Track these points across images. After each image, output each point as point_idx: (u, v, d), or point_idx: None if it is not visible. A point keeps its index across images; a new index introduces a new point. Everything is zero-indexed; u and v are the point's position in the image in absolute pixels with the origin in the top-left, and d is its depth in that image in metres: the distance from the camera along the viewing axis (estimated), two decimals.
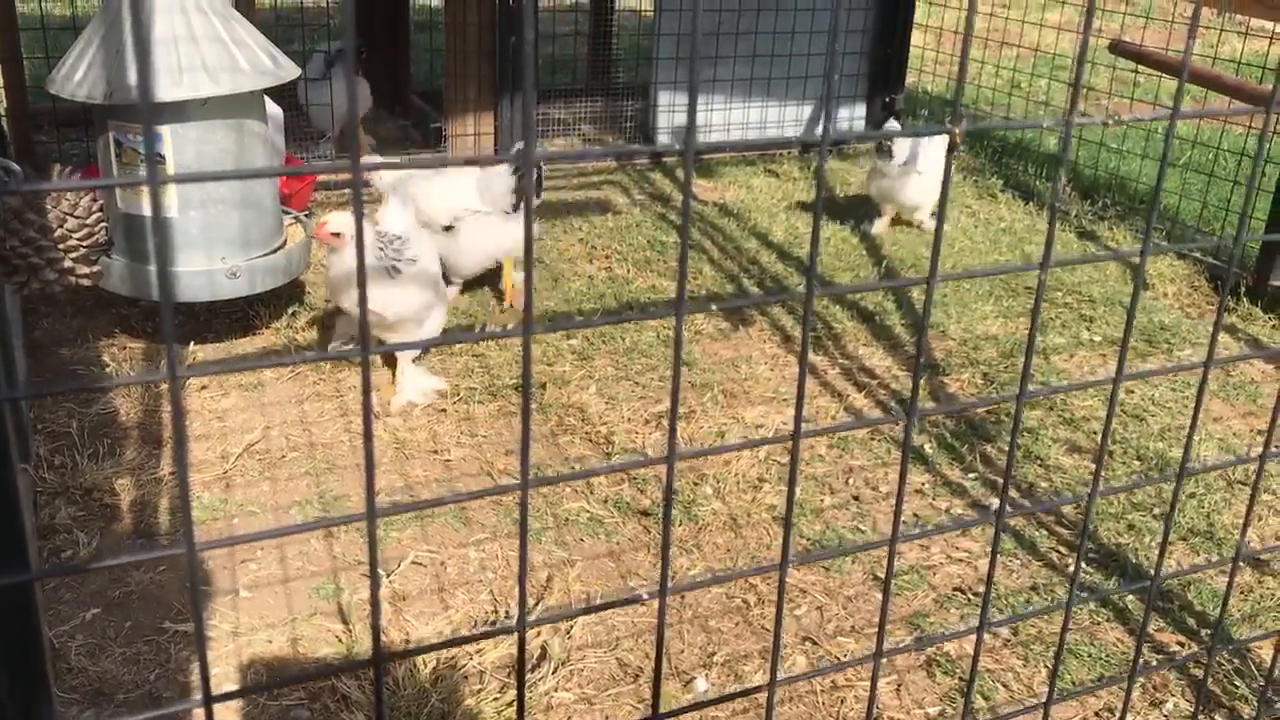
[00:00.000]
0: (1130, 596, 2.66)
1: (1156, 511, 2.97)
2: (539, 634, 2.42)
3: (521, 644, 0.86)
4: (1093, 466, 3.17)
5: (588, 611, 0.81)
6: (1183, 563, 2.79)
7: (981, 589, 2.67)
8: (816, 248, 0.78)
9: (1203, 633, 2.54)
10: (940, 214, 0.90)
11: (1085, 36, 0.82)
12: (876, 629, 2.55)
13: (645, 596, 0.87)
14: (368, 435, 0.70)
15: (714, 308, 0.81)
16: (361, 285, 0.72)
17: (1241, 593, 2.67)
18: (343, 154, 5.00)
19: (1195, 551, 2.82)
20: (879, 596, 2.65)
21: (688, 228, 0.74)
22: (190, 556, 0.67)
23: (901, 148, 4.74)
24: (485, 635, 0.80)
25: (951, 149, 0.86)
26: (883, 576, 2.69)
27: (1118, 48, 4.77)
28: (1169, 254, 4.80)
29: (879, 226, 4.91)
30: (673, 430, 0.86)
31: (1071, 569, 2.74)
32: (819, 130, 6.11)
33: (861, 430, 3.32)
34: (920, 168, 4.73)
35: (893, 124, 5.17)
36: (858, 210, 5.13)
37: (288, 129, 4.62)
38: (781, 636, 2.48)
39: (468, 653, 2.36)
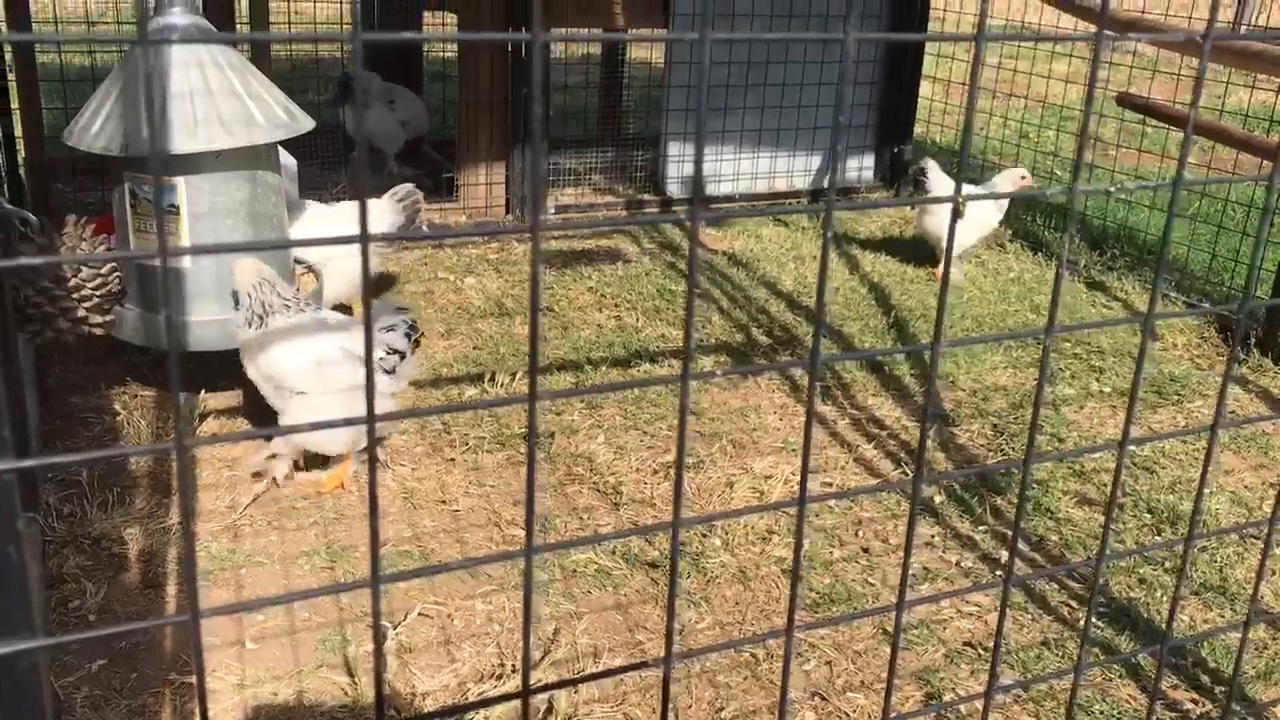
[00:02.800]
0: (1149, 655, 2.63)
1: (1168, 565, 2.95)
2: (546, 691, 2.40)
3: (526, 708, 0.86)
4: (1103, 519, 3.14)
5: (595, 678, 0.81)
6: (1196, 618, 2.76)
7: (991, 644, 2.65)
8: (821, 326, 0.78)
9: (1216, 690, 2.51)
10: (944, 279, 0.90)
11: (1088, 112, 0.83)
12: (886, 684, 2.52)
13: (651, 664, 0.86)
14: (373, 509, 0.70)
15: (719, 374, 0.81)
16: (369, 359, 0.73)
17: (1256, 649, 2.64)
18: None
19: (1208, 606, 2.80)
20: (888, 651, 2.62)
21: (693, 302, 0.75)
22: (194, 626, 0.67)
23: (936, 178, 4.99)
24: (489, 702, 0.80)
25: (955, 216, 0.87)
26: (892, 631, 2.67)
27: (1125, 100, 4.80)
28: (1178, 304, 4.80)
29: (955, 273, 5.05)
30: (678, 494, 0.86)
31: (1082, 623, 2.72)
32: (825, 180, 6.15)
33: (869, 481, 3.31)
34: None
35: (930, 163, 5.19)
36: (867, 257, 5.15)
37: (302, 178, 4.67)
38: (791, 695, 2.46)
39: (474, 705, 2.34)
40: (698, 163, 0.74)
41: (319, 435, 3.03)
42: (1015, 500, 3.25)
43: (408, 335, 3.16)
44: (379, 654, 0.76)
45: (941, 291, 0.88)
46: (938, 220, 4.96)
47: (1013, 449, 3.53)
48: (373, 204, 4.11)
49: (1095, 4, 4.02)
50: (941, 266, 5.00)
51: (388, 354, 3.13)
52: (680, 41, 5.26)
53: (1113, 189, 1.01)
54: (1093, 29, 4.01)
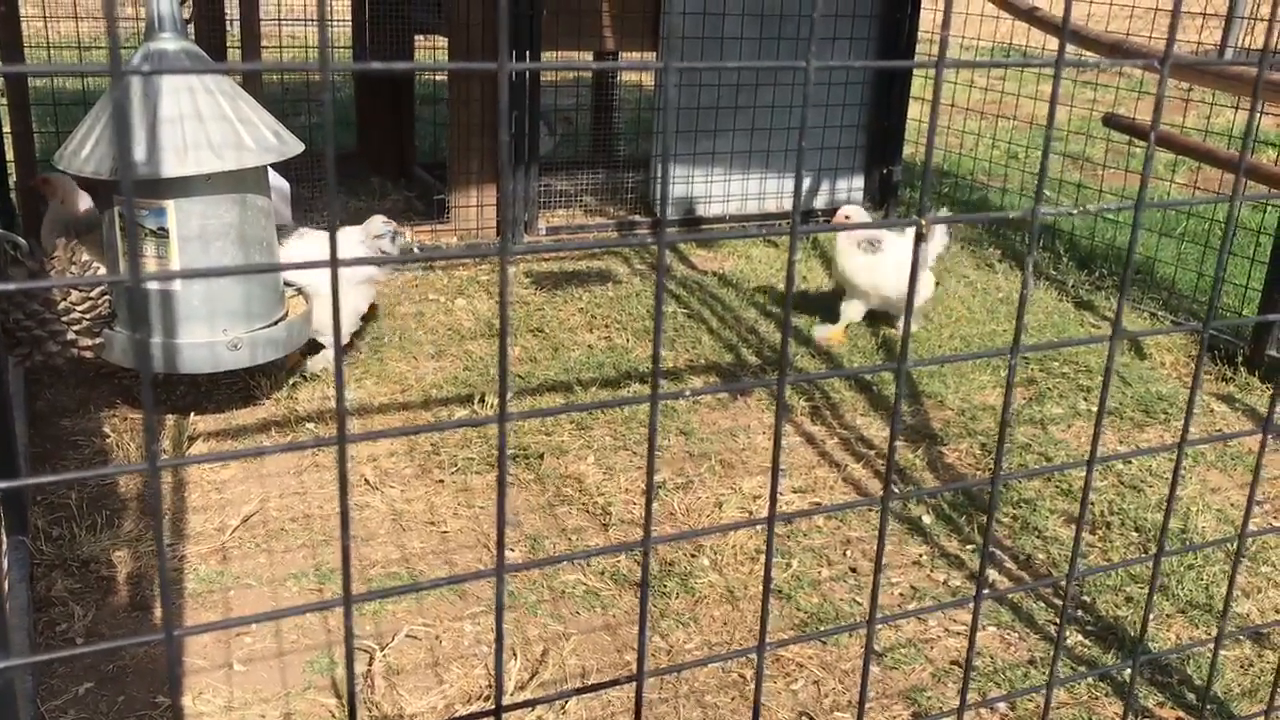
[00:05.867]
0: (1127, 670, 2.64)
1: (1157, 583, 2.96)
2: (534, 709, 2.40)
3: None
4: (1091, 539, 3.16)
5: (571, 695, 0.82)
6: (1181, 635, 2.77)
7: (980, 663, 2.66)
8: (787, 339, 0.80)
9: (1204, 708, 2.51)
10: (909, 302, 0.92)
11: (1049, 133, 0.85)
12: (875, 704, 2.52)
13: (622, 680, 0.87)
14: (345, 527, 0.71)
15: (689, 395, 0.83)
16: (338, 356, 0.74)
17: (1242, 666, 2.65)
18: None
19: (1194, 624, 2.81)
20: (877, 671, 2.63)
21: (661, 320, 0.76)
22: (169, 645, 0.68)
23: (890, 238, 4.45)
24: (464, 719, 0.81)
25: (919, 240, 0.88)
26: (881, 650, 2.68)
27: (1111, 121, 4.83)
28: (1165, 322, 4.82)
29: (832, 330, 4.50)
30: (648, 512, 0.87)
31: (1070, 642, 2.73)
32: (815, 201, 6.18)
33: (846, 500, 3.32)
34: (886, 249, 4.42)
35: (857, 210, 4.59)
36: None
37: (295, 199, 4.69)
38: (777, 713, 2.46)
39: None
40: (664, 184, 0.76)
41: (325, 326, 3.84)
42: (1004, 520, 3.27)
43: (393, 239, 4.05)
44: (350, 673, 0.77)
45: (907, 310, 0.90)
46: (854, 264, 4.44)
47: (1002, 467, 3.55)
48: (348, 231, 4.14)
49: (1086, 29, 4.06)
50: (892, 309, 4.57)
51: (380, 254, 3.97)
52: (650, 69, 5.29)
53: (1074, 210, 1.03)
54: (1085, 54, 4.04)
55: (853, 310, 4.52)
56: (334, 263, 0.71)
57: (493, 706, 0.88)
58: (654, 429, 0.85)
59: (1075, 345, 4.46)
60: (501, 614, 0.80)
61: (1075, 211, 0.96)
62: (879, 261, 4.39)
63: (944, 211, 5.77)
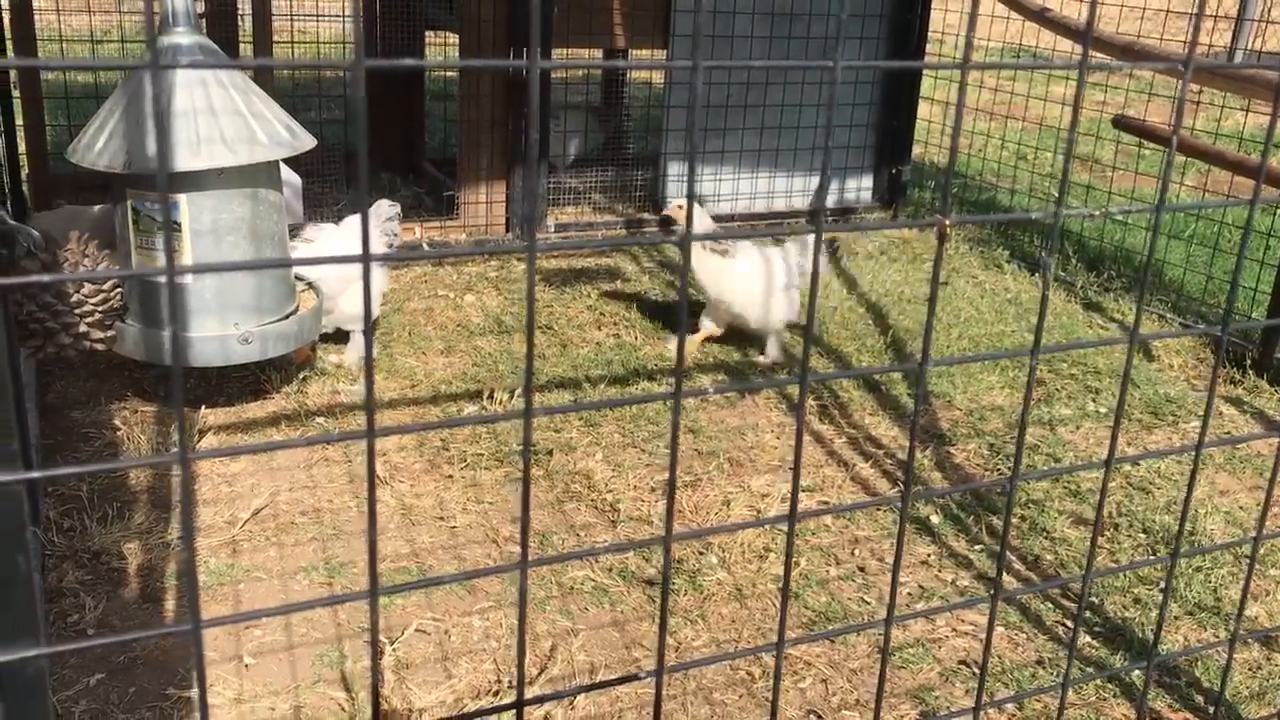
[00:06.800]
0: (1136, 671, 2.64)
1: (1163, 585, 2.96)
2: (541, 705, 2.41)
3: None
4: (1099, 540, 3.16)
5: (589, 689, 0.83)
6: (1190, 637, 2.77)
7: (989, 663, 2.66)
8: (810, 340, 0.80)
9: (1210, 710, 2.52)
10: (932, 299, 0.92)
11: (1072, 137, 0.85)
12: (883, 703, 2.53)
13: (642, 676, 0.88)
14: (372, 520, 0.72)
15: (712, 391, 0.83)
16: (368, 351, 0.75)
17: (1250, 669, 2.65)
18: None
19: (1202, 626, 2.81)
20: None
21: (685, 320, 0.77)
22: (196, 638, 0.69)
23: (744, 249, 4.21)
24: (484, 713, 0.81)
25: (941, 240, 0.89)
26: (889, 649, 2.69)
27: (1121, 123, 4.83)
28: (1174, 325, 4.82)
29: (691, 342, 4.30)
30: (670, 510, 0.87)
31: (1077, 643, 2.73)
32: (831, 200, 6.18)
33: (864, 500, 3.32)
34: (737, 254, 4.22)
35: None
36: (865, 277, 5.18)
37: (305, 194, 4.70)
38: (785, 711, 2.47)
39: (470, 717, 2.35)
40: (690, 183, 0.76)
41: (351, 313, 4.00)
42: (1015, 520, 3.27)
43: (399, 220, 4.23)
44: (375, 666, 0.78)
45: (929, 311, 0.90)
46: (705, 267, 4.24)
47: (1008, 468, 3.55)
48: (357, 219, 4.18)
49: (1099, 31, 4.05)
50: (750, 325, 4.26)
51: (392, 236, 4.17)
52: (679, 67, 5.30)
53: (1096, 213, 1.04)
54: (1097, 55, 4.04)
55: (710, 324, 4.30)
56: (365, 257, 0.72)
57: (510, 701, 0.88)
58: (676, 427, 0.85)
59: (1092, 347, 4.46)
60: (525, 608, 0.81)
61: (1097, 214, 0.96)
62: (727, 268, 4.19)
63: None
